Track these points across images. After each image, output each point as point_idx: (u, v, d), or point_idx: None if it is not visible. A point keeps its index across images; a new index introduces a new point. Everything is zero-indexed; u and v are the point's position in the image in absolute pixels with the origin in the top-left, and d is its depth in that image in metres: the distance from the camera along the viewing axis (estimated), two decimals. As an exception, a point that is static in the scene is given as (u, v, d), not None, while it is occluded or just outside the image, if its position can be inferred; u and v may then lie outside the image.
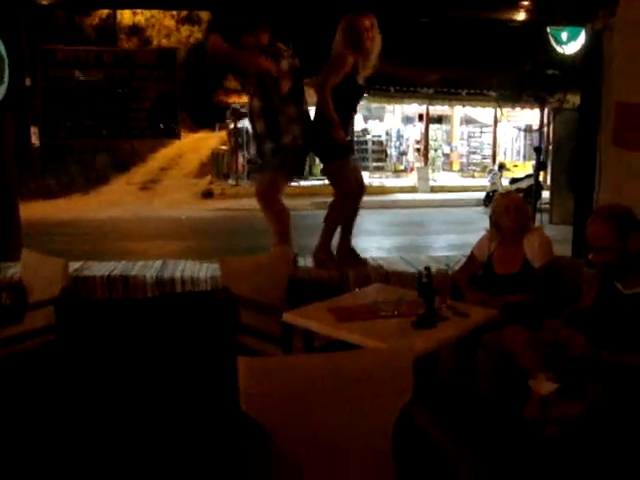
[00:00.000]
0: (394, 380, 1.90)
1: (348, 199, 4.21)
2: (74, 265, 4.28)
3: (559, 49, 5.29)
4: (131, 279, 4.08)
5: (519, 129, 19.24)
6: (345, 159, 4.17)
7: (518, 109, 18.28)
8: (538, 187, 6.16)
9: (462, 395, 3.05)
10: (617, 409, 2.31)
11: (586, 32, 4.59)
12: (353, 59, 4.03)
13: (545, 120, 6.22)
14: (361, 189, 4.31)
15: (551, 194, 6.22)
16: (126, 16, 24.54)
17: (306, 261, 4.37)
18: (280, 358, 2.17)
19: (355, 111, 4.34)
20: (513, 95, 5.46)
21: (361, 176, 4.46)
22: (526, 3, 4.35)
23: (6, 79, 4.34)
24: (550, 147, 9.79)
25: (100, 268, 4.27)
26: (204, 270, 4.21)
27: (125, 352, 3.76)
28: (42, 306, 3.36)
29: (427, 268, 2.67)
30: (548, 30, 5.33)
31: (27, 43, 4.83)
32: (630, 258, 2.50)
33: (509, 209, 3.36)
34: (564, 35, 5.16)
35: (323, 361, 1.86)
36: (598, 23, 4.33)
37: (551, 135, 10.07)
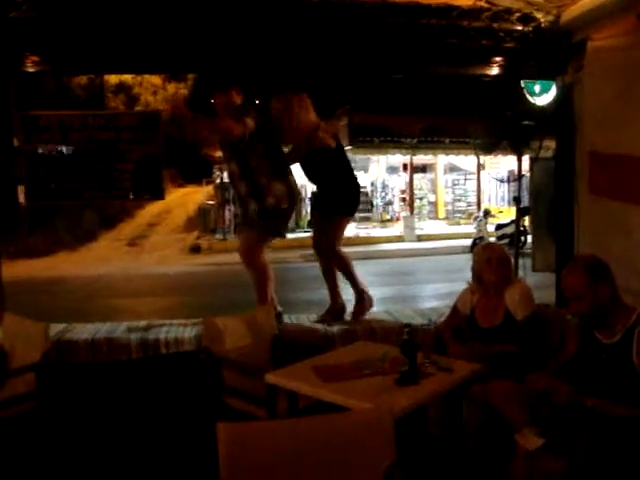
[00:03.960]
0: (376, 441, 1.88)
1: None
2: (57, 327, 4.25)
3: (532, 100, 5.45)
4: (115, 341, 4.05)
5: (500, 180, 19.46)
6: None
7: (500, 156, 18.56)
8: (519, 234, 6.24)
9: (450, 451, 3.01)
10: (603, 462, 2.29)
11: (557, 85, 4.73)
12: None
13: (525, 168, 6.33)
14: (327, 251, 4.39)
15: (533, 242, 6.29)
16: (113, 75, 24.96)
17: (291, 318, 4.36)
18: (259, 424, 2.15)
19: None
20: (489, 145, 5.57)
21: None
22: (498, 59, 4.48)
23: (-10, 144, 4.38)
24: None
25: (84, 331, 4.24)
26: (188, 330, 4.18)
27: (108, 417, 3.69)
28: (23, 372, 3.30)
29: (407, 325, 2.67)
30: (522, 84, 5.50)
31: (16, 105, 4.91)
32: (605, 308, 2.53)
33: (490, 261, 3.38)
34: (537, 88, 5.33)
35: (303, 426, 1.84)
36: (568, 77, 4.47)
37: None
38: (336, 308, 4.40)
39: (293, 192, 4.27)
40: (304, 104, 4.26)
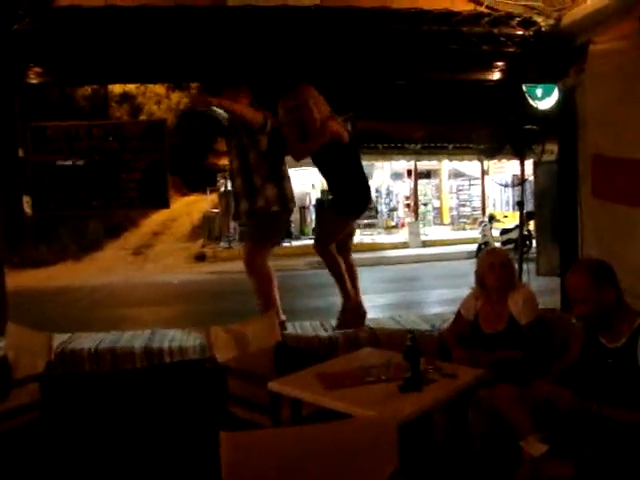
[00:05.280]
0: (379, 449, 1.87)
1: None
2: (61, 337, 4.24)
3: (534, 104, 5.42)
4: (119, 350, 4.03)
5: (504, 185, 19.44)
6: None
7: (504, 161, 18.56)
8: (524, 239, 6.24)
9: (455, 457, 2.99)
10: (609, 468, 2.27)
11: (559, 89, 4.72)
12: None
13: (529, 172, 6.32)
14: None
15: (537, 246, 6.28)
16: (117, 85, 25.07)
17: (295, 326, 4.35)
18: (262, 432, 2.14)
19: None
20: (492, 149, 5.57)
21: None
22: (500, 64, 4.49)
23: (-7, 154, 4.41)
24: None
25: (88, 340, 4.22)
26: (192, 338, 4.17)
27: (112, 427, 3.68)
28: (27, 382, 3.30)
29: (411, 331, 2.67)
30: (524, 88, 5.48)
31: (20, 116, 4.93)
32: (610, 311, 2.51)
33: (494, 266, 3.37)
34: (539, 92, 5.30)
35: (306, 434, 1.83)
36: (570, 80, 4.46)
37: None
38: (350, 307, 4.30)
39: (285, 197, 4.20)
40: (318, 93, 4.17)
